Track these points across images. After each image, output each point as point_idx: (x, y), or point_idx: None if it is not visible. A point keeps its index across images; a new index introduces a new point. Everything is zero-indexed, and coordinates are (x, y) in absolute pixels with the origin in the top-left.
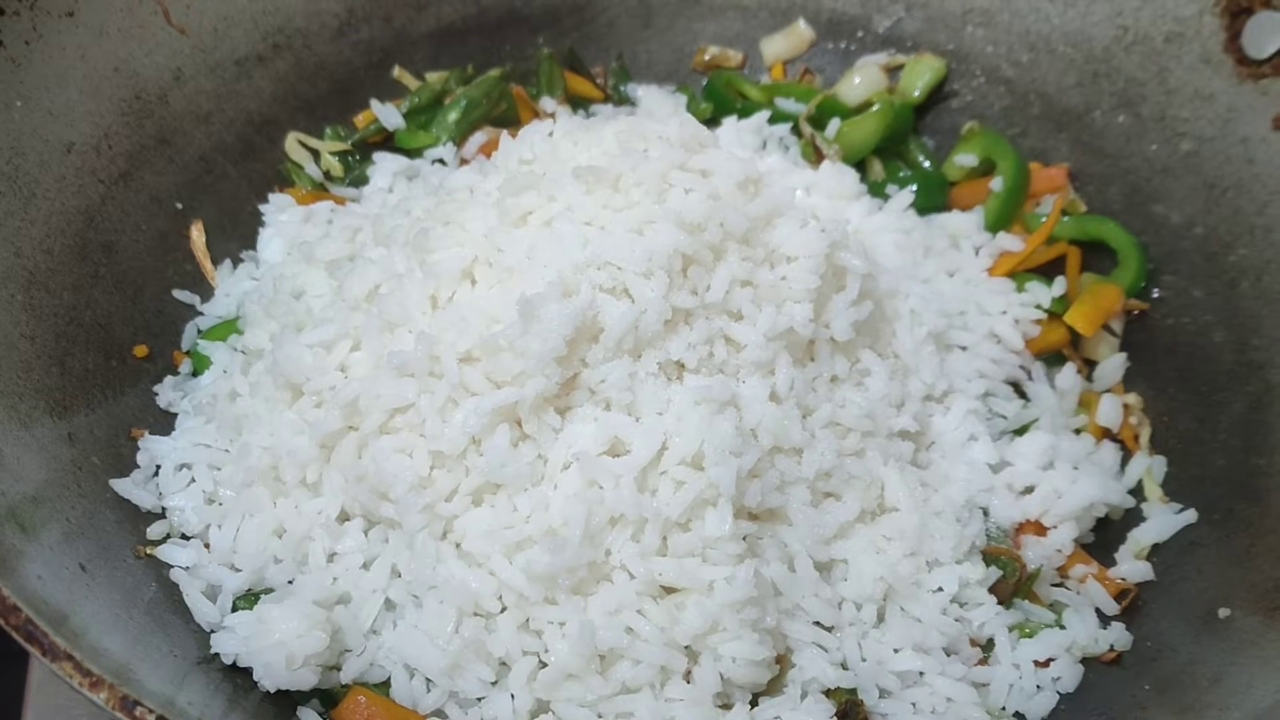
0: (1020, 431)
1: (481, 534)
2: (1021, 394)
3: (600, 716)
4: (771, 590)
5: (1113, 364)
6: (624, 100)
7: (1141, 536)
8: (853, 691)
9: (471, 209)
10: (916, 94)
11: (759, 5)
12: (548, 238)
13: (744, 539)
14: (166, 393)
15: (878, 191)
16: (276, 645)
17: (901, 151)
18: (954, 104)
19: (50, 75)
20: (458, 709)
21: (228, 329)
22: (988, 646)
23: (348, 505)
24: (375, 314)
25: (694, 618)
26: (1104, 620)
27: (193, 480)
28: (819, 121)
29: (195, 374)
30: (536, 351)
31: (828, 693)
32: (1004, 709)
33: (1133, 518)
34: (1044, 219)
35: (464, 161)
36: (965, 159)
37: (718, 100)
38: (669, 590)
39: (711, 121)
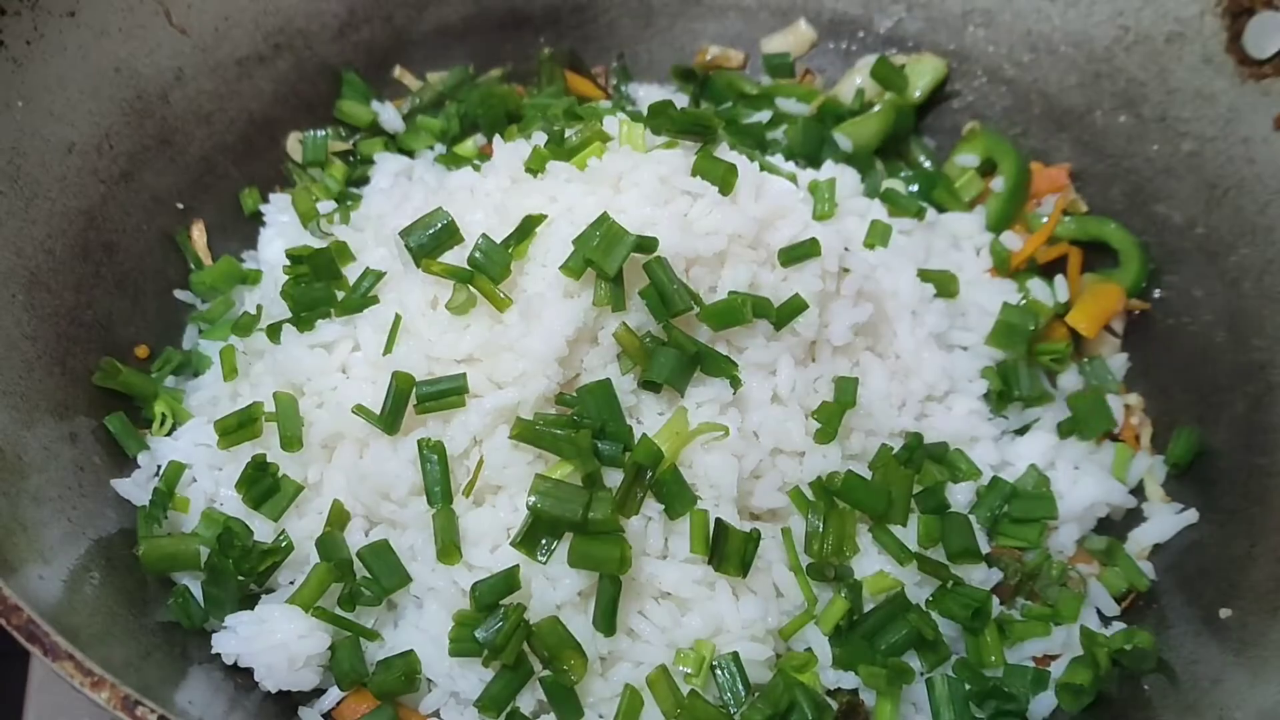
0: (1021, 431)
1: (483, 534)
2: None
3: (601, 717)
4: (773, 590)
5: (1114, 364)
6: (625, 100)
7: (1142, 536)
8: (853, 692)
9: (472, 209)
10: (917, 94)
11: (759, 5)
12: (548, 238)
13: None
14: None
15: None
16: (278, 646)
17: (902, 151)
18: (955, 104)
19: (51, 75)
20: (458, 709)
21: (228, 329)
22: None
23: (349, 505)
24: (376, 314)
25: (695, 619)
26: (1104, 620)
27: (194, 480)
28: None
29: (195, 374)
30: (538, 352)
31: (829, 693)
32: None
33: (1133, 518)
34: (1045, 219)
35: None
36: (966, 159)
37: (719, 101)
38: (670, 591)
39: None
